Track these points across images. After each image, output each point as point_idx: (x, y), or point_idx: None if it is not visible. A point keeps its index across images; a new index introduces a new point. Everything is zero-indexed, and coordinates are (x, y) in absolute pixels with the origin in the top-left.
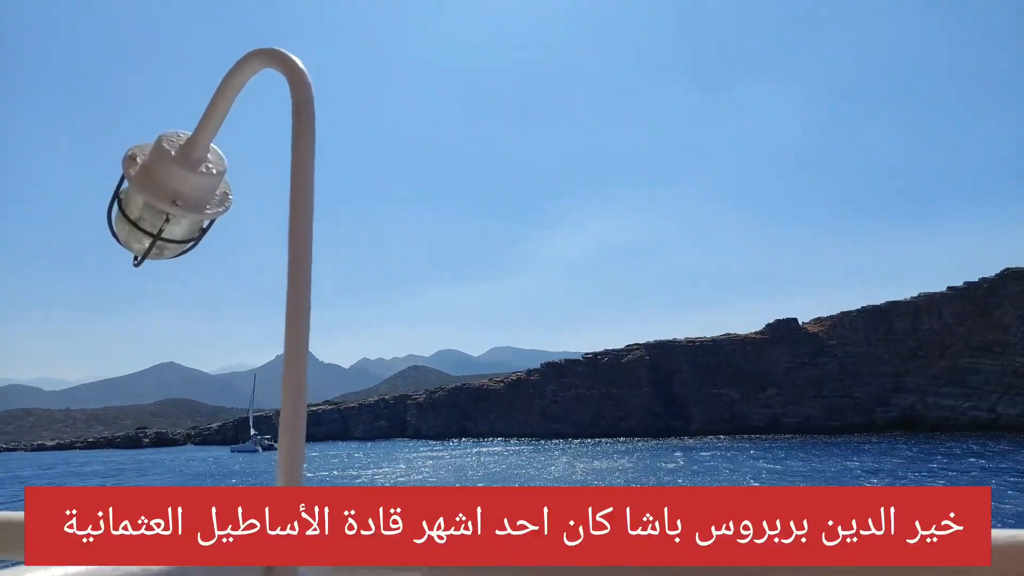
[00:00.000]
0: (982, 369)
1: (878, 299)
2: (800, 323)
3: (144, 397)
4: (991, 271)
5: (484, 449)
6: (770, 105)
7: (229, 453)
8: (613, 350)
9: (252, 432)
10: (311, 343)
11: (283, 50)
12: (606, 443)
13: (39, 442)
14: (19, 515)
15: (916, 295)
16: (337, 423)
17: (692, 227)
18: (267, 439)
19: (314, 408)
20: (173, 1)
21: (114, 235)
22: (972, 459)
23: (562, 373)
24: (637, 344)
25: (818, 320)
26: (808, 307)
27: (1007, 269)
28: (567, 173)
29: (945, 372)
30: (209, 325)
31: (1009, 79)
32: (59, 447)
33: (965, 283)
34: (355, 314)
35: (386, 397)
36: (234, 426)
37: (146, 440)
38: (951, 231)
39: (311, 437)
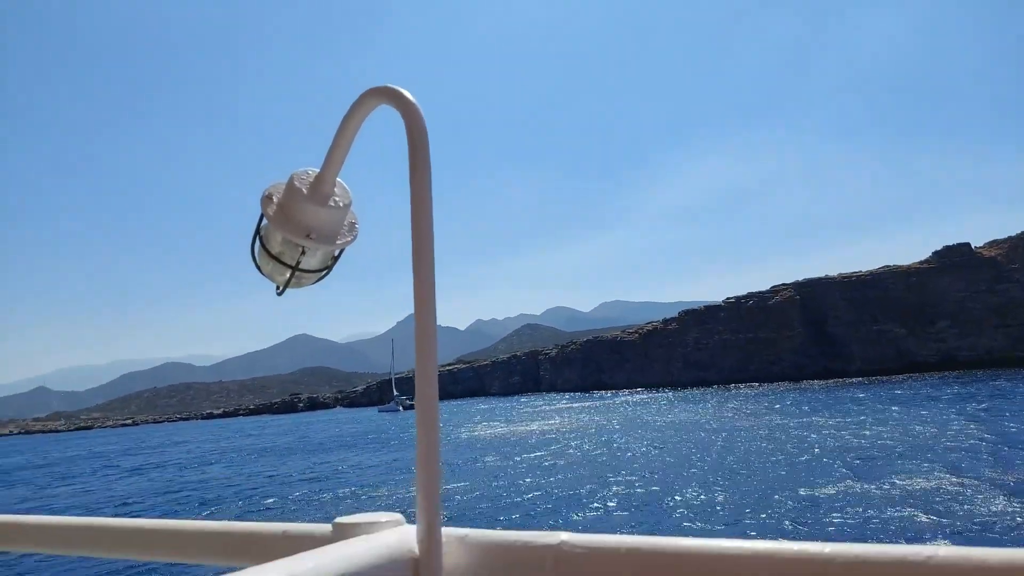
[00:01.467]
0: None
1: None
2: (973, 248)
3: (283, 367)
4: None
5: (630, 399)
6: (878, 22)
7: (376, 413)
8: (757, 292)
9: (395, 393)
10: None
11: (397, 87)
12: (758, 388)
13: (207, 411)
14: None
15: None
16: (473, 380)
17: (803, 164)
18: (407, 399)
19: (449, 367)
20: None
21: (258, 268)
22: None
23: (703, 320)
24: (784, 284)
25: (994, 243)
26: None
27: None
28: (665, 121)
29: None
30: (334, 297)
31: None
32: (225, 415)
33: None
34: (467, 276)
35: (518, 354)
36: (378, 388)
37: (300, 405)
38: None
39: (449, 395)
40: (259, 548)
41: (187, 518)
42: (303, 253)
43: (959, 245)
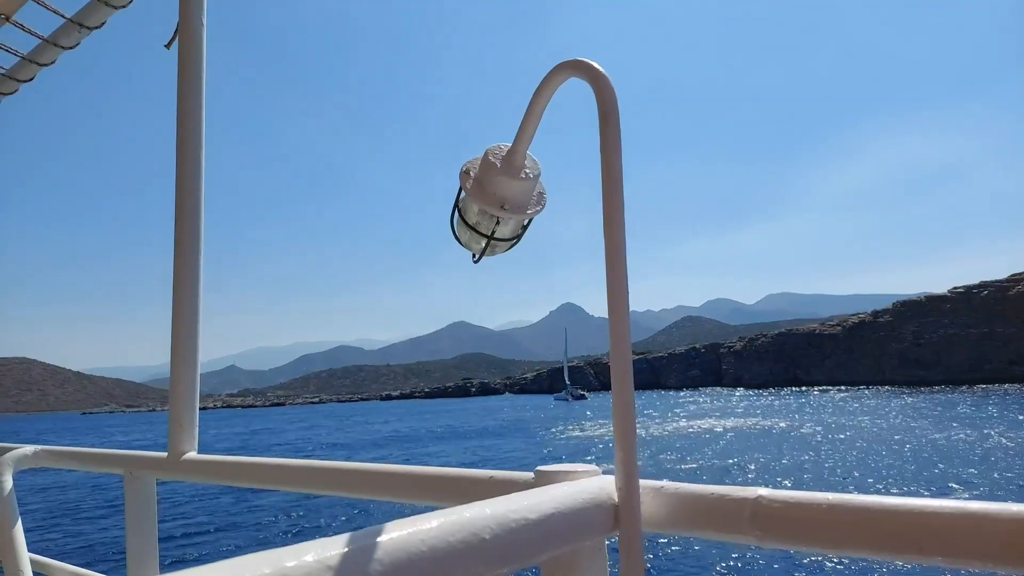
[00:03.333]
0: None
1: None
2: None
3: (444, 352)
4: None
5: (836, 396)
6: None
7: (553, 401)
8: (993, 282)
9: (567, 383)
10: (583, 299)
11: (589, 60)
12: (998, 389)
13: (386, 392)
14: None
15: None
16: (647, 373)
17: (1004, 144)
18: (578, 389)
19: None
20: (479, 31)
21: (457, 239)
22: None
23: (923, 312)
24: None
25: None
26: None
27: None
28: (842, 98)
29: None
30: (488, 286)
31: None
32: (402, 396)
33: None
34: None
35: (696, 346)
36: (548, 375)
37: (473, 389)
38: None
39: None
40: (468, 490)
41: (403, 464)
42: (497, 223)
43: None
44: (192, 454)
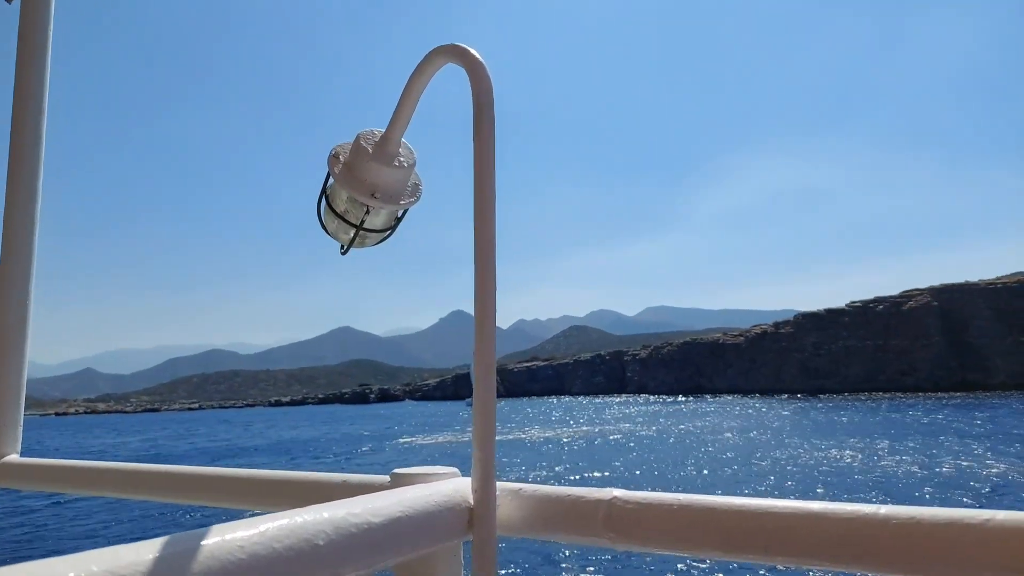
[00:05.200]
0: None
1: None
2: None
3: (329, 358)
4: None
5: (736, 404)
6: (946, 32)
7: (464, 407)
8: (887, 297)
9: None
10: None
11: (465, 46)
12: (891, 398)
13: (274, 399)
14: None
15: None
16: (552, 379)
17: (864, 173)
18: None
19: (528, 365)
20: (358, 10)
21: (323, 227)
22: None
23: (823, 324)
24: (918, 289)
25: None
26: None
27: None
28: (722, 125)
29: None
30: (375, 291)
31: None
32: (293, 403)
33: None
34: (508, 275)
35: (602, 353)
36: (454, 382)
37: (372, 396)
38: None
39: (527, 392)
40: (319, 495)
41: (249, 468)
42: (368, 212)
43: None
44: (13, 457)
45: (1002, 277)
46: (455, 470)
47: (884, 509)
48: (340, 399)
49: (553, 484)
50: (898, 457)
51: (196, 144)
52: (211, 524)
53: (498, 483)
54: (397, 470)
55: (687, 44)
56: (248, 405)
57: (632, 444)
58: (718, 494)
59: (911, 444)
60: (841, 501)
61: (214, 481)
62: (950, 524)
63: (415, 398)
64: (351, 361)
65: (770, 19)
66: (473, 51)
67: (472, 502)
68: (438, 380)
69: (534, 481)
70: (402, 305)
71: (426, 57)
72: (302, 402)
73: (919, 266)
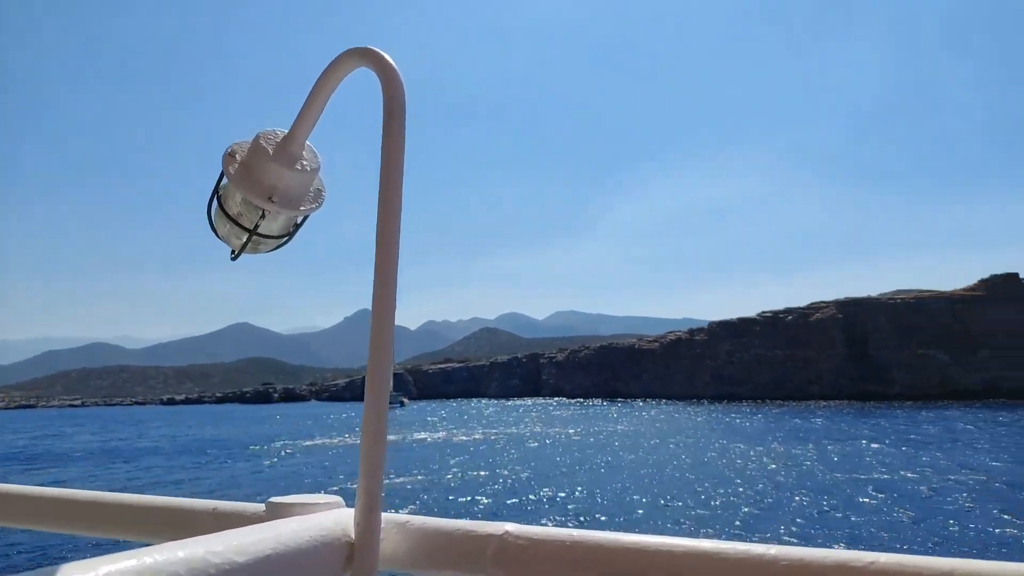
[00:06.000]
0: None
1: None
2: (1021, 278)
3: (224, 356)
4: None
5: (650, 409)
6: (851, 59)
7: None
8: (796, 308)
9: (392, 390)
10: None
11: (377, 49)
12: (794, 406)
13: (168, 396)
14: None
15: None
16: (467, 381)
17: (767, 191)
18: (400, 396)
19: (442, 367)
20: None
21: (213, 230)
22: None
23: (737, 333)
24: (824, 302)
25: None
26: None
27: None
28: (635, 137)
29: None
30: (277, 287)
31: None
32: (188, 401)
33: None
34: (418, 275)
35: (519, 356)
36: (363, 383)
37: (276, 396)
38: None
39: (441, 395)
40: (185, 525)
41: (111, 490)
42: (263, 216)
43: (1008, 275)
44: None
45: (899, 292)
46: (338, 499)
47: (774, 549)
48: (240, 398)
49: (452, 502)
50: (799, 462)
51: (82, 125)
52: (47, 561)
53: (384, 514)
54: (273, 499)
55: (609, 54)
56: (138, 403)
57: (544, 449)
58: (625, 520)
59: (812, 449)
60: (729, 540)
61: (60, 506)
62: (837, 567)
63: (322, 398)
64: (249, 359)
65: (689, 36)
66: (386, 56)
67: (353, 536)
68: (347, 380)
69: (431, 498)
70: (306, 302)
71: (337, 59)
72: (198, 400)
73: (814, 281)
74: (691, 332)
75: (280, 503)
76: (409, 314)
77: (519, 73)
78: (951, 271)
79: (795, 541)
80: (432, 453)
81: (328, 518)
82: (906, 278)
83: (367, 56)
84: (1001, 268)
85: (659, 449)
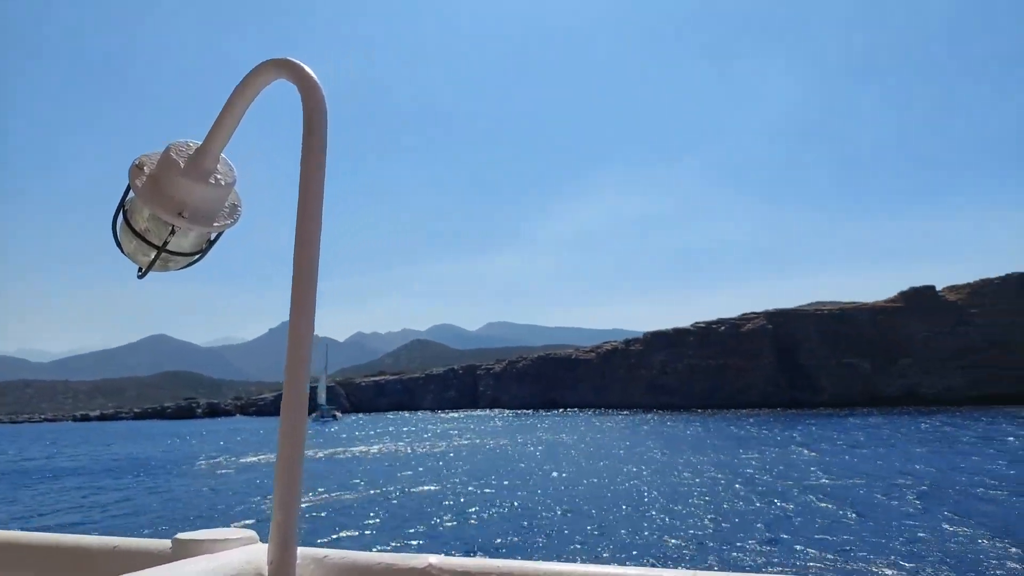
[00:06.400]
0: None
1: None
2: (937, 291)
3: (139, 369)
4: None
5: (587, 418)
6: (774, 79)
7: (311, 422)
8: (728, 319)
9: (320, 403)
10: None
11: (296, 61)
12: (725, 414)
13: (81, 412)
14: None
15: None
16: (401, 394)
17: (696, 205)
18: (333, 409)
19: (376, 379)
20: (186, 9)
21: (119, 246)
22: None
23: (671, 343)
24: (755, 313)
25: (953, 288)
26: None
27: None
28: (567, 150)
29: None
30: (196, 297)
31: (1010, 52)
32: (103, 417)
33: None
34: (346, 286)
35: (455, 367)
36: None
37: (199, 411)
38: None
39: (374, 408)
40: (83, 566)
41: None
42: (172, 233)
43: (924, 288)
44: None
45: (824, 304)
46: (251, 534)
47: None
48: (161, 414)
49: (378, 527)
50: (735, 469)
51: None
52: None
53: (300, 549)
54: (180, 535)
55: (544, 67)
56: (48, 420)
57: (478, 463)
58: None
59: (746, 455)
60: (656, 567)
61: None
62: None
63: (249, 413)
64: (167, 373)
65: (622, 53)
66: (306, 67)
67: (266, 573)
68: (275, 394)
69: (355, 524)
70: (227, 313)
71: (254, 70)
72: (115, 416)
73: (740, 293)
74: (627, 343)
75: (187, 540)
76: (337, 325)
77: (453, 82)
78: (872, 284)
79: (727, 551)
80: (362, 470)
81: (239, 556)
82: (829, 290)
83: (286, 68)
84: (918, 281)
85: (597, 461)
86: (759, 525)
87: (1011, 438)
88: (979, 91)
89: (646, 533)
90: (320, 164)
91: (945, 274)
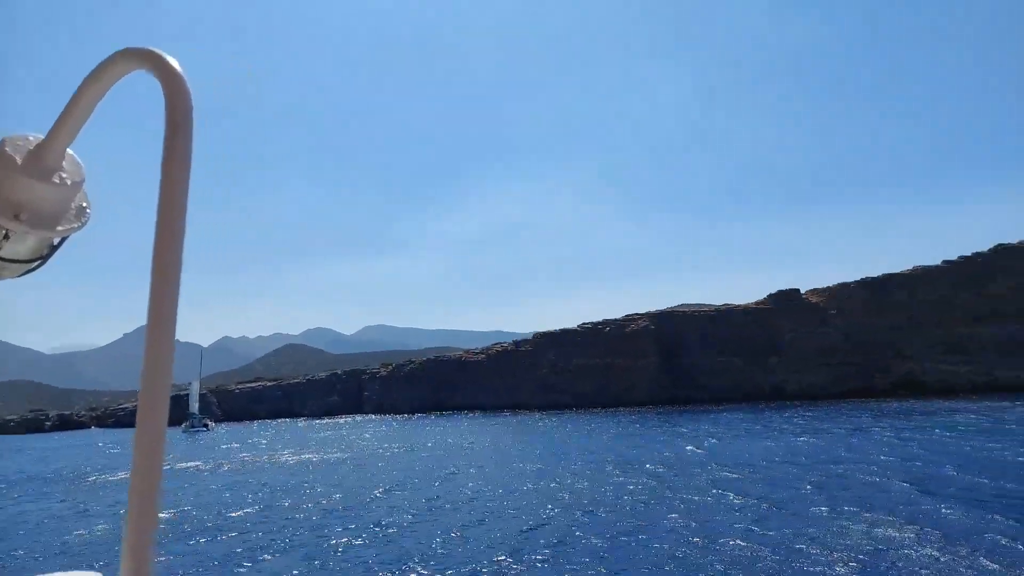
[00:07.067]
0: (978, 337)
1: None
2: (801, 293)
3: None
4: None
5: (470, 420)
6: (654, 89)
7: (181, 434)
8: (614, 320)
9: (191, 412)
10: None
11: (158, 51)
12: (610, 412)
13: None
14: None
15: (911, 268)
16: (280, 400)
17: (574, 210)
18: (204, 419)
19: (252, 385)
20: None
21: None
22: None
23: (560, 343)
24: (639, 313)
25: (816, 291)
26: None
27: (1000, 245)
28: (448, 156)
29: (942, 340)
30: (38, 299)
31: (881, 74)
32: None
33: (960, 257)
34: (210, 288)
35: (338, 372)
36: None
37: (48, 424)
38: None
39: (251, 416)
40: None
41: None
42: (6, 237)
43: (790, 290)
44: None
45: (703, 305)
46: None
47: None
48: (3, 428)
49: (242, 554)
50: (621, 464)
51: None
52: None
53: None
54: None
55: (429, 70)
56: None
57: (358, 472)
58: None
59: (626, 450)
60: None
61: None
62: None
63: (106, 425)
64: (6, 382)
65: (511, 56)
66: (169, 59)
67: None
68: (135, 404)
69: (218, 552)
70: (76, 317)
71: (108, 59)
72: None
73: (621, 295)
74: (516, 344)
75: None
76: (200, 330)
77: (333, 80)
78: (744, 286)
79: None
80: (230, 485)
81: None
82: (703, 292)
83: (146, 58)
84: (785, 284)
85: (483, 463)
86: (647, 513)
87: (873, 428)
88: (848, 109)
89: (514, 532)
90: (184, 166)
91: (809, 277)
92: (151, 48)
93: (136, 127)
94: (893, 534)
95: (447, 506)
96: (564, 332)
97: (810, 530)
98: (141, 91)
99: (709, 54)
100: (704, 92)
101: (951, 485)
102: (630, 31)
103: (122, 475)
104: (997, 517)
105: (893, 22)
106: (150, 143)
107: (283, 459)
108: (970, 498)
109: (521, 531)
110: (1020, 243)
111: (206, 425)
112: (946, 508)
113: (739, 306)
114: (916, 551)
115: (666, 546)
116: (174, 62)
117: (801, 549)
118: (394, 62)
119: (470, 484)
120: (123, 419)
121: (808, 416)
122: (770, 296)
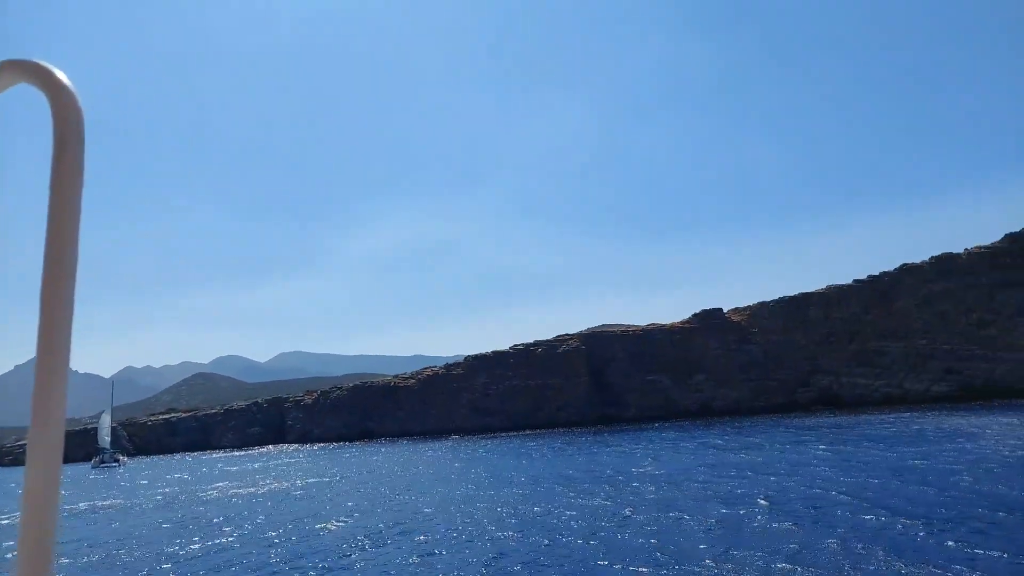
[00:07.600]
0: (888, 351)
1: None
2: (724, 312)
3: None
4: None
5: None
6: (567, 113)
7: (91, 471)
8: (546, 340)
9: (102, 447)
10: (76, 348)
11: (45, 64)
12: (540, 433)
13: None
14: None
15: (825, 287)
16: (196, 432)
17: (491, 231)
18: (116, 453)
19: (165, 416)
20: None
21: None
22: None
23: (491, 365)
24: (569, 334)
25: (737, 310)
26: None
27: (904, 264)
28: (359, 173)
29: (856, 355)
30: None
31: (785, 98)
32: None
33: (869, 276)
34: (110, 316)
35: (259, 400)
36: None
37: None
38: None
39: (166, 449)
40: None
41: None
42: None
43: (714, 309)
44: None
45: (632, 325)
46: None
47: None
48: None
49: None
50: (559, 484)
51: None
52: None
53: None
54: None
55: (338, 86)
56: None
57: (278, 506)
58: None
59: (567, 470)
60: None
61: None
62: None
63: (4, 464)
64: None
65: (426, 74)
66: (57, 72)
67: None
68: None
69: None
70: None
71: None
72: None
73: (545, 317)
74: (447, 367)
75: None
76: (99, 360)
77: (237, 96)
78: (669, 306)
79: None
80: (149, 523)
81: None
82: (627, 314)
83: (31, 72)
84: (709, 303)
85: (425, 491)
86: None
87: (803, 440)
88: (758, 131)
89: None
90: (76, 184)
91: (730, 297)
92: (36, 60)
93: (23, 143)
94: (832, 543)
95: (397, 535)
96: (496, 354)
97: (754, 540)
98: (27, 105)
99: (610, 80)
100: (610, 116)
101: (879, 491)
102: (540, 52)
103: (5, 521)
104: (921, 523)
105: (795, 44)
106: (39, 160)
107: (204, 494)
108: (897, 505)
109: (484, 560)
110: (923, 262)
111: (117, 460)
112: (877, 514)
113: (665, 325)
114: (852, 556)
115: (632, 566)
116: (62, 75)
117: (745, 556)
118: (300, 83)
119: (416, 514)
120: (20, 457)
121: (733, 431)
122: (695, 315)
